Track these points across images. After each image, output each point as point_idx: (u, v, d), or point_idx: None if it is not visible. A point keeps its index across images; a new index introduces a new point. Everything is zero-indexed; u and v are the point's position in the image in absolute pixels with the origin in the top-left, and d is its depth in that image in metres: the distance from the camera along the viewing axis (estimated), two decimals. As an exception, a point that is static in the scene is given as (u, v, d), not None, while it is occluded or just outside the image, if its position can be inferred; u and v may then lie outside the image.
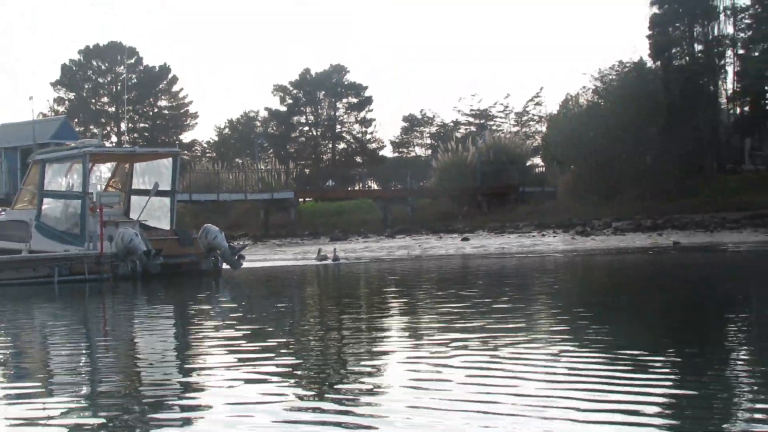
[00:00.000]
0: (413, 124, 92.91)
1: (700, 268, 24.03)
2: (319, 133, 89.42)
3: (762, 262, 25.65)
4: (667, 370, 7.65)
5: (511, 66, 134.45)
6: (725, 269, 23.31)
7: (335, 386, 7.38)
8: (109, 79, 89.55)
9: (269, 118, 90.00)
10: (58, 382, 8.33)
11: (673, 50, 58.22)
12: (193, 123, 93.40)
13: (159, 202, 27.71)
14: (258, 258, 35.49)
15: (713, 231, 41.14)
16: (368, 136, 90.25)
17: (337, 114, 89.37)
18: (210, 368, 8.54)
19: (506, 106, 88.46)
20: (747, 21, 57.86)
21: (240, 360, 8.94)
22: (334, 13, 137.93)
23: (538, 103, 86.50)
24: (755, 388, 6.82)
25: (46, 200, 26.64)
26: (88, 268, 24.76)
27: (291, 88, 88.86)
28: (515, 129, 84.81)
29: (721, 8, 57.54)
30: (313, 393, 7.13)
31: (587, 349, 8.75)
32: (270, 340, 10.49)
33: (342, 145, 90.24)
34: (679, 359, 8.32)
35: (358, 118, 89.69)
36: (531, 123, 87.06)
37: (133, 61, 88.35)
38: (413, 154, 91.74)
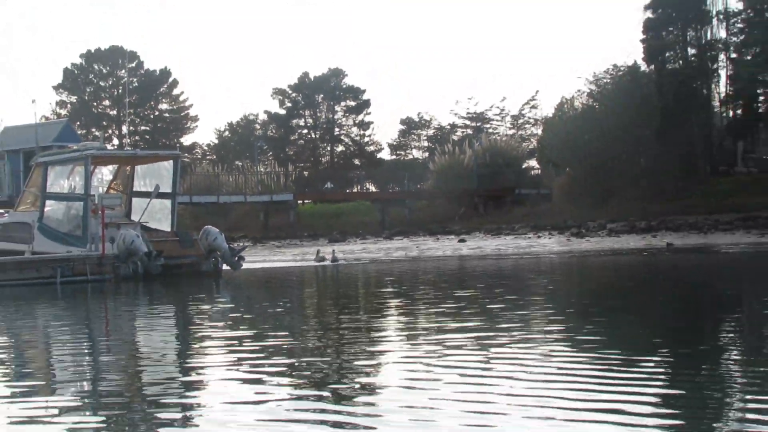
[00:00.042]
0: (411, 126, 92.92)
1: (693, 269, 24.06)
2: (317, 136, 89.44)
3: (754, 263, 25.68)
4: (661, 371, 7.66)
5: (507, 70, 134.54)
6: (718, 270, 23.34)
7: (333, 386, 7.38)
8: (110, 82, 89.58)
9: (268, 121, 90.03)
10: (60, 380, 8.34)
11: (667, 54, 58.32)
12: (194, 126, 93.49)
13: (160, 204, 27.72)
14: (257, 259, 35.48)
15: (706, 232, 41.19)
16: (366, 139, 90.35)
17: (336, 117, 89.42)
18: (209, 368, 8.54)
19: (502, 109, 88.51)
20: (739, 25, 57.96)
21: (239, 359, 8.94)
22: (332, 18, 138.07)
23: (533, 107, 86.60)
24: (748, 387, 6.83)
25: (48, 202, 26.64)
26: (90, 269, 24.76)
27: (290, 92, 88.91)
28: (511, 132, 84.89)
29: (714, 13, 57.67)
30: (311, 393, 7.13)
31: (581, 350, 8.76)
32: (269, 340, 10.50)
33: (340, 148, 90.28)
34: (672, 359, 8.33)
35: (356, 121, 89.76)
36: (527, 126, 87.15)
37: (134, 64, 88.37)
38: (411, 156, 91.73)
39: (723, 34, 58.46)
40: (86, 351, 10.63)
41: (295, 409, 6.44)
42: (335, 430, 5.82)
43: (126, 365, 9.24)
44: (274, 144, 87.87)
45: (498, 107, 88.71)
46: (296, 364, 8.64)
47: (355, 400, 6.74)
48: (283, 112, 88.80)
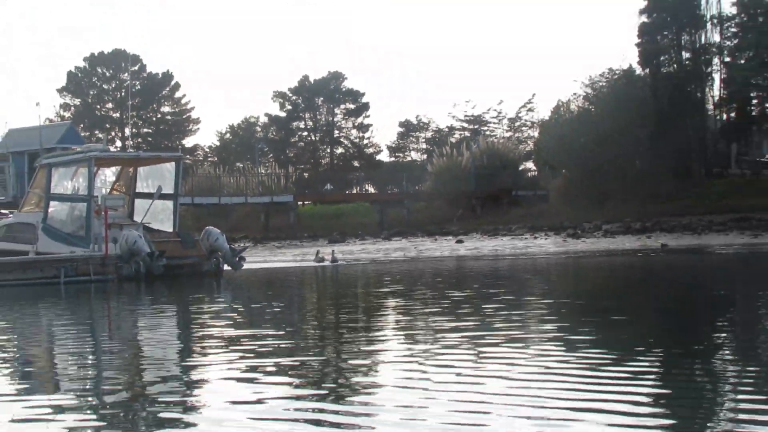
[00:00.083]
0: (409, 129, 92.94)
1: (687, 269, 24.06)
2: (317, 138, 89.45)
3: (747, 263, 25.70)
4: (653, 370, 7.65)
5: (504, 73, 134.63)
6: (712, 270, 23.35)
7: (331, 385, 7.39)
8: (113, 85, 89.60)
9: (269, 123, 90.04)
10: (61, 379, 8.33)
11: (662, 58, 58.36)
12: (195, 128, 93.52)
13: (162, 205, 27.75)
14: (258, 259, 35.50)
15: (701, 233, 41.22)
16: (365, 141, 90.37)
17: (335, 119, 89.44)
18: (209, 367, 8.54)
19: (499, 112, 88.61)
20: (733, 29, 58.00)
21: (239, 359, 8.95)
22: (332, 22, 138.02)
23: (530, 109, 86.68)
24: (740, 387, 6.82)
25: (52, 203, 26.66)
26: (94, 269, 24.78)
27: (290, 95, 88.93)
28: (508, 134, 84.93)
29: (708, 17, 57.74)
30: (309, 392, 7.12)
31: (577, 349, 8.75)
32: (269, 340, 10.50)
33: (340, 150, 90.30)
34: (665, 359, 8.32)
35: (356, 124, 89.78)
36: (524, 128, 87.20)
37: (136, 68, 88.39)
38: (409, 158, 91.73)
39: (717, 38, 58.58)
40: (88, 350, 10.63)
41: (294, 409, 6.43)
42: (333, 429, 5.81)
43: (126, 364, 9.25)
44: (274, 146, 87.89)
45: (495, 110, 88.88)
46: (295, 363, 8.64)
47: (353, 399, 6.74)
48: (283, 114, 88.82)
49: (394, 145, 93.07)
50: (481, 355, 8.56)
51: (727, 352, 8.82)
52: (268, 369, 8.19)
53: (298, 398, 6.84)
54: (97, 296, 20.57)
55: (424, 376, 7.48)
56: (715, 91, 59.06)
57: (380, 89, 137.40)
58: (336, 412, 6.25)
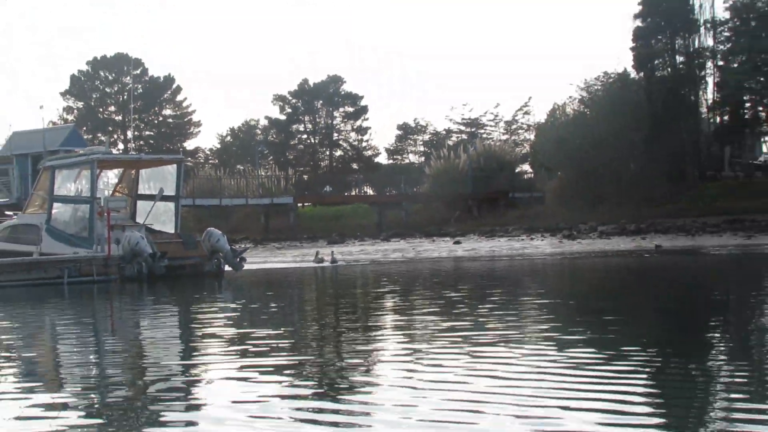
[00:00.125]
0: (407, 132, 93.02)
1: (681, 270, 24.07)
2: (317, 141, 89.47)
3: (740, 264, 25.71)
4: (647, 369, 7.65)
5: (500, 77, 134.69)
6: (705, 271, 23.35)
7: (331, 385, 7.39)
8: (116, 89, 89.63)
9: (269, 126, 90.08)
10: (62, 378, 8.32)
11: (656, 62, 58.42)
12: (197, 131, 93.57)
13: (164, 207, 27.76)
14: (259, 260, 35.49)
15: (694, 235, 41.23)
16: (364, 144, 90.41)
17: (334, 123, 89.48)
18: (209, 366, 8.53)
19: (496, 115, 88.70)
20: (726, 34, 58.05)
21: (239, 358, 8.95)
22: (332, 27, 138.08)
23: (526, 113, 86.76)
24: (733, 387, 6.81)
25: (56, 205, 26.67)
26: (96, 269, 24.78)
27: (290, 98, 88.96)
28: (505, 137, 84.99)
29: (702, 22, 57.77)
30: (309, 392, 7.11)
31: (571, 349, 8.74)
32: (268, 339, 10.50)
33: (339, 153, 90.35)
34: (658, 359, 8.32)
35: (355, 127, 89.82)
36: (520, 131, 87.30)
37: (138, 71, 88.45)
38: (407, 161, 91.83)
39: (710, 42, 58.66)
40: (90, 349, 10.64)
41: (293, 408, 6.43)
42: (333, 428, 5.81)
43: (128, 363, 9.25)
44: (274, 148, 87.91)
45: (492, 113, 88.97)
46: (294, 362, 8.65)
47: (352, 398, 6.73)
48: (283, 117, 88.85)
49: (392, 148, 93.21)
50: (476, 355, 8.55)
51: (720, 351, 8.81)
52: (268, 368, 8.19)
53: (297, 397, 6.84)
54: (100, 296, 20.57)
55: (423, 376, 7.47)
56: (709, 94, 59.18)
57: (380, 89, 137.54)
58: (335, 411, 6.25)
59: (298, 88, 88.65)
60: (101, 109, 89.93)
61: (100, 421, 6.33)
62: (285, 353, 9.36)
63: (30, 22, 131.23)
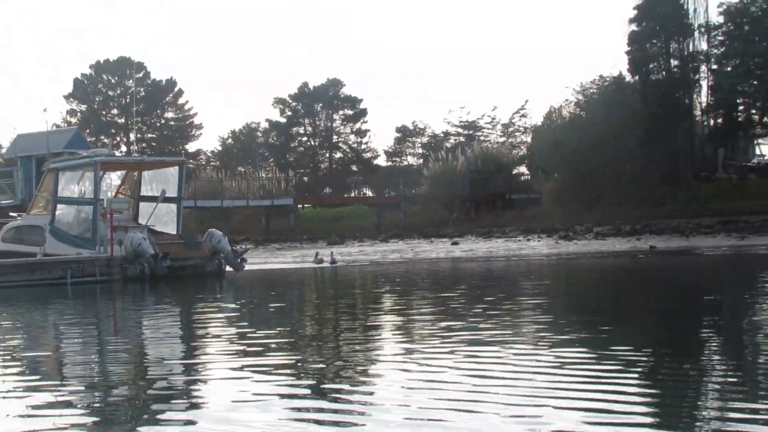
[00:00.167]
0: (406, 134, 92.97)
1: (675, 270, 24.07)
2: (316, 143, 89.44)
3: (734, 264, 25.72)
4: (640, 369, 7.66)
5: (498, 79, 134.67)
6: (699, 271, 23.36)
7: (331, 384, 7.38)
8: (118, 92, 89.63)
9: (270, 129, 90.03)
10: (63, 377, 8.31)
11: (651, 65, 58.38)
12: (198, 133, 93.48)
13: (166, 208, 27.78)
14: (259, 261, 35.50)
15: (689, 236, 41.24)
16: (363, 146, 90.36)
17: (334, 125, 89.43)
18: (210, 366, 8.53)
19: (493, 118, 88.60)
20: (720, 38, 58.04)
21: (239, 357, 8.95)
22: (332, 22, 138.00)
23: (523, 115, 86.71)
24: (726, 386, 6.81)
25: (59, 206, 26.68)
26: (99, 270, 24.80)
27: (290, 101, 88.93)
28: (502, 139, 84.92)
29: (696, 26, 57.78)
30: (308, 391, 7.11)
31: (568, 348, 8.74)
32: (269, 339, 10.50)
33: (338, 155, 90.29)
34: (653, 358, 8.33)
35: (354, 129, 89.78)
36: (517, 134, 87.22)
37: (141, 75, 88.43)
38: (406, 163, 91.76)
39: (704, 46, 58.62)
40: (93, 348, 10.64)
41: (293, 408, 6.42)
42: (333, 428, 5.81)
43: (129, 363, 9.25)
44: (275, 151, 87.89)
45: (489, 116, 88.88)
46: (294, 362, 8.65)
47: (352, 398, 6.72)
48: (283, 120, 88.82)
49: (391, 150, 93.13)
50: (472, 354, 8.55)
51: (713, 351, 8.80)
52: (268, 368, 8.18)
53: (297, 397, 6.83)
54: (103, 296, 20.58)
55: (425, 377, 7.47)
56: (703, 97, 59.17)
57: (379, 89, 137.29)
58: (335, 411, 6.24)
59: (298, 91, 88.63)
60: (104, 112, 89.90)
61: (101, 419, 6.31)
62: (285, 353, 9.35)
63: (30, 22, 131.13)
